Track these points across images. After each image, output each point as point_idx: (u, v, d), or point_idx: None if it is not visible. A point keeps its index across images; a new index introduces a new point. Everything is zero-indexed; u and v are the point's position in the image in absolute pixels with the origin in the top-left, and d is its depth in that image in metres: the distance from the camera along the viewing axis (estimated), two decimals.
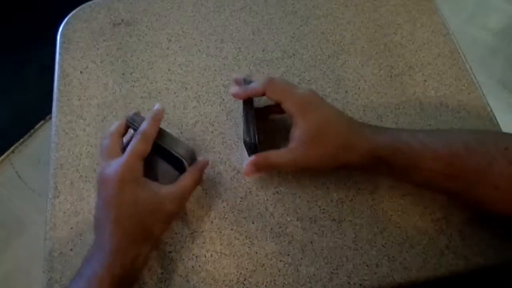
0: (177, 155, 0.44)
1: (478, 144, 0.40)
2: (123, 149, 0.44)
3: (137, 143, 0.42)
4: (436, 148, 0.40)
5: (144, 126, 0.44)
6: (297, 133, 0.43)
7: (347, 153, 0.42)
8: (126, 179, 0.40)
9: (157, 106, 0.46)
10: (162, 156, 0.47)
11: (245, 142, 0.45)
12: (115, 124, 0.46)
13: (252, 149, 0.45)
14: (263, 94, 0.45)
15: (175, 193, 0.43)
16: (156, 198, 0.42)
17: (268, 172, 0.49)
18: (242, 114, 0.48)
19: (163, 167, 0.48)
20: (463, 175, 0.39)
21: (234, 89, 0.47)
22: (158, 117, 0.45)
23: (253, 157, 0.44)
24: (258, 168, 0.44)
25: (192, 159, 0.46)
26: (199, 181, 0.46)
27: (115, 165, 0.41)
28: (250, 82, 0.49)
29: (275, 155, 0.44)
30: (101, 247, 0.39)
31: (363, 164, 0.43)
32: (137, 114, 0.47)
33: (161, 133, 0.45)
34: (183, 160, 0.44)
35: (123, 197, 0.40)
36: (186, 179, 0.45)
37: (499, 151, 0.38)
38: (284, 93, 0.44)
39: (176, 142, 0.45)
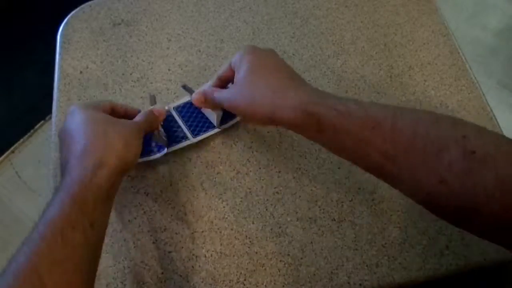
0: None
1: (430, 124, 0.33)
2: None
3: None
4: (379, 118, 0.34)
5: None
6: (238, 74, 0.42)
7: (278, 100, 0.38)
8: (88, 106, 0.43)
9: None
10: None
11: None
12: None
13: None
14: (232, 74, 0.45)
15: (130, 122, 0.44)
16: (112, 119, 0.43)
17: (210, 106, 0.49)
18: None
19: None
20: (404, 158, 0.33)
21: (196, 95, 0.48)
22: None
23: (203, 89, 0.47)
24: (200, 98, 0.47)
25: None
26: (152, 120, 0.47)
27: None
28: (190, 89, 0.52)
29: (218, 91, 0.45)
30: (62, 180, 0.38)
31: (292, 120, 0.38)
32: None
33: None
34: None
35: (81, 114, 0.41)
36: (143, 116, 0.47)
37: (454, 138, 0.32)
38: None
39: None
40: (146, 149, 0.49)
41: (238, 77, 0.42)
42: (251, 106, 0.40)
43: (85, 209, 0.35)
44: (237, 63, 0.43)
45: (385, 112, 0.35)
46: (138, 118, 0.46)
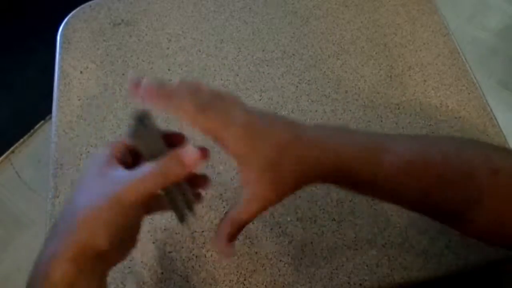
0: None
1: (458, 152, 0.35)
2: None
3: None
4: (410, 158, 0.34)
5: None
6: (253, 173, 0.32)
7: (310, 170, 0.33)
8: (91, 164, 0.32)
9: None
10: None
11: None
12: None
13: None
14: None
15: (132, 181, 0.29)
16: (105, 180, 0.30)
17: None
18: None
19: None
20: (437, 190, 0.34)
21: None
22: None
23: (221, 230, 0.34)
24: (232, 236, 0.33)
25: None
26: (172, 176, 0.31)
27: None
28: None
29: (243, 212, 0.33)
30: None
31: (327, 178, 0.35)
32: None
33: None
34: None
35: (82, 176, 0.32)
36: (150, 167, 0.30)
37: (480, 159, 0.34)
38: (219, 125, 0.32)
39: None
40: None
41: (255, 174, 0.32)
42: (286, 191, 0.33)
43: None
44: (237, 149, 0.32)
45: (413, 147, 0.35)
46: (151, 167, 0.30)
